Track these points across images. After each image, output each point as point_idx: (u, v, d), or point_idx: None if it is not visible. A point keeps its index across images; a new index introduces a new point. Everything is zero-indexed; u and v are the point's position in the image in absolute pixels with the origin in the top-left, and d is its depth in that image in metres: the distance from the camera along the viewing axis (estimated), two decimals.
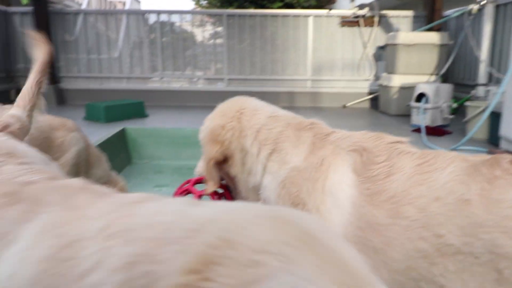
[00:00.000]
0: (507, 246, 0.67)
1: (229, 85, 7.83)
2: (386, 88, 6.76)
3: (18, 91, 5.77)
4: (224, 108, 1.29)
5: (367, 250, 0.81)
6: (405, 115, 6.33)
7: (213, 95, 7.82)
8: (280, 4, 12.38)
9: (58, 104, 7.32)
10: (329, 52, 7.73)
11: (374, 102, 7.56)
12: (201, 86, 7.92)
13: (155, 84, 7.97)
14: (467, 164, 0.79)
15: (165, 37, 7.84)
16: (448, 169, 0.80)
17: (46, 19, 7.18)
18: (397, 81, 6.45)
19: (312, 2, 13.05)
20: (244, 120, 1.19)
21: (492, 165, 0.74)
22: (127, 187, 2.10)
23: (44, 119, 1.66)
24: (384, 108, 6.96)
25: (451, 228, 0.72)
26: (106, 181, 1.90)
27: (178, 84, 7.98)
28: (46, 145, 1.61)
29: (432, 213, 0.76)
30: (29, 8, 7.33)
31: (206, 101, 7.83)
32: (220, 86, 7.88)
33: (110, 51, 7.83)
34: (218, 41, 7.88)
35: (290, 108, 7.43)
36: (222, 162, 1.16)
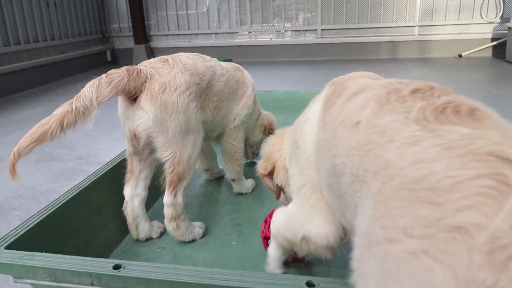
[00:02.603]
0: (361, 168, 0.66)
1: (323, 36, 7.09)
2: None
3: (113, 51, 5.81)
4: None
5: (321, 168, 0.92)
6: None
7: (304, 48, 7.19)
8: None
9: None
10: None
11: (500, 50, 6.26)
12: (290, 39, 7.29)
13: (242, 39, 7.57)
14: (385, 90, 0.76)
15: None
16: (365, 94, 0.80)
17: None
18: None
19: None
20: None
21: (396, 90, 0.73)
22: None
23: (226, 65, 1.92)
24: None
25: (340, 150, 0.77)
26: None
27: (266, 37, 7.46)
28: (238, 83, 1.94)
29: (335, 135, 0.80)
30: None
31: (296, 55, 7.24)
32: (309, 38, 7.18)
33: (198, 5, 7.55)
34: None
35: (393, 60, 6.46)
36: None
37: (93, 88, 1.35)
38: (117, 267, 1.05)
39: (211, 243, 1.66)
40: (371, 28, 6.88)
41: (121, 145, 1.53)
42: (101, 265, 1.06)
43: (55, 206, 1.39)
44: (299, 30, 7.26)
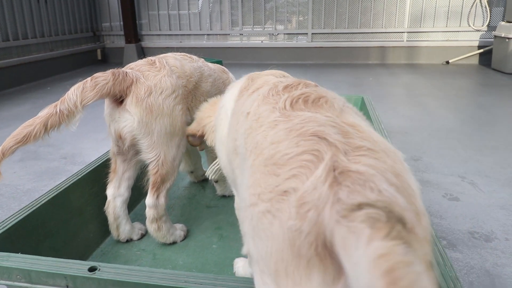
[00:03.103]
0: (245, 148, 0.80)
1: (313, 40, 7.14)
2: (504, 40, 5.57)
3: (104, 50, 5.81)
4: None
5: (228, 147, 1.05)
6: None
7: (295, 51, 7.23)
8: None
9: None
10: None
11: (485, 57, 6.36)
12: (281, 42, 7.32)
13: (234, 41, 7.58)
14: (269, 87, 0.91)
15: None
16: (261, 90, 0.95)
17: None
18: None
19: None
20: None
21: (275, 86, 0.89)
22: None
23: (212, 66, 1.94)
24: (499, 65, 5.80)
25: (237, 135, 0.92)
26: None
27: (258, 39, 7.48)
28: (224, 85, 1.95)
29: (237, 122, 0.95)
30: None
31: (287, 58, 7.28)
32: (301, 42, 7.22)
33: (190, 6, 7.55)
34: None
35: (382, 65, 6.50)
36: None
37: (77, 92, 1.36)
38: (92, 269, 1.06)
39: (192, 246, 1.67)
40: (361, 33, 6.94)
41: (107, 145, 1.55)
42: (76, 267, 1.07)
43: (34, 206, 1.39)
44: (291, 34, 7.30)
